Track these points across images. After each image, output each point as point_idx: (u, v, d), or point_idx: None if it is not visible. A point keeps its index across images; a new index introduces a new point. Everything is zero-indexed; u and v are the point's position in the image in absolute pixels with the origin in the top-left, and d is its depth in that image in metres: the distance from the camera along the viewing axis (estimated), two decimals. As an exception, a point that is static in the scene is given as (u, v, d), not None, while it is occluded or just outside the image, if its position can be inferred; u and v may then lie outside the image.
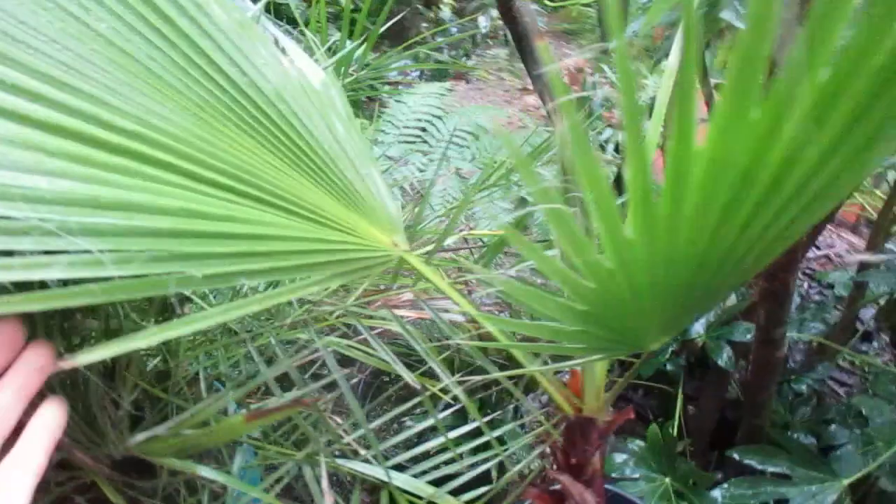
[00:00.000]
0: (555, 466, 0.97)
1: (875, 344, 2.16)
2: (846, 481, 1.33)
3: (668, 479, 1.41)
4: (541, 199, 0.42)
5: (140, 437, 0.57)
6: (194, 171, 0.51)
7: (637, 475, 1.42)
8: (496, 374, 0.79)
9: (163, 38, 0.53)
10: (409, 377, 0.78)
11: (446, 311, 0.91)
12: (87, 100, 0.47)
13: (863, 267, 1.66)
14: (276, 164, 0.58)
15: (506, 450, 0.87)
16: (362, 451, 0.87)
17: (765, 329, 1.26)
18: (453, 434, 0.90)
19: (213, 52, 0.57)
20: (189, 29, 0.55)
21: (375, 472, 0.83)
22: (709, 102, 1.61)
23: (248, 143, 0.56)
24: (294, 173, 0.60)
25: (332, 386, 0.84)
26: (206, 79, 0.55)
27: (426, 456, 0.92)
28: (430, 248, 0.82)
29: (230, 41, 0.58)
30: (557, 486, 1.01)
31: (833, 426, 1.44)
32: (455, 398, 1.07)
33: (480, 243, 1.02)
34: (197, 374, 0.85)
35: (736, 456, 1.40)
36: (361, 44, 1.05)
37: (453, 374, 0.84)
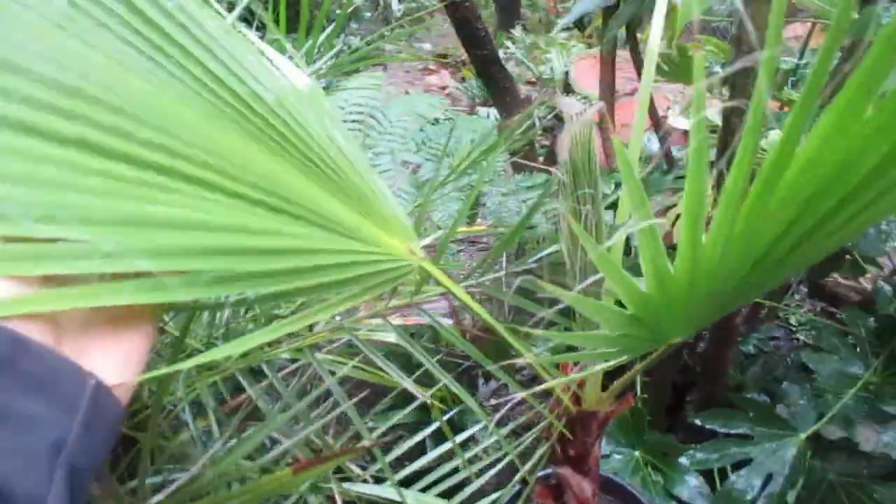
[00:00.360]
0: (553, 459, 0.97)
1: (796, 296, 2.28)
2: (803, 435, 1.39)
3: (637, 452, 1.44)
4: (636, 211, 0.39)
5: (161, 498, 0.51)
6: (233, 187, 0.48)
7: (607, 451, 1.44)
8: (505, 378, 0.77)
9: (165, 53, 0.48)
10: (419, 394, 0.74)
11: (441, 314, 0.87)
12: (123, 117, 0.43)
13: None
14: (295, 176, 0.54)
15: (517, 445, 0.85)
16: (363, 472, 0.83)
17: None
18: (459, 438, 0.87)
19: (213, 62, 0.51)
20: (189, 41, 0.49)
21: (386, 492, 0.79)
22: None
23: (265, 155, 0.53)
24: (312, 184, 0.56)
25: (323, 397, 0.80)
26: (216, 91, 0.51)
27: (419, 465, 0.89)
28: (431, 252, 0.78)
29: (225, 50, 0.52)
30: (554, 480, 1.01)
31: (784, 383, 1.50)
32: (452, 401, 1.04)
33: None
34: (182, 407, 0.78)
35: (698, 422, 1.43)
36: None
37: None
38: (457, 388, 0.76)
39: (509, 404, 0.75)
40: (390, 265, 0.58)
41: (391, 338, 0.84)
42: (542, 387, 0.61)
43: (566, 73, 3.14)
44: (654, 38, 0.83)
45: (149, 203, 0.42)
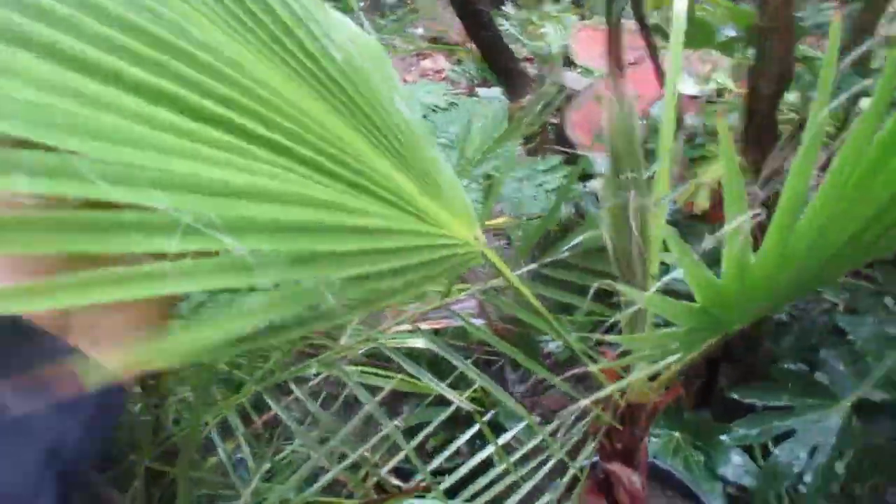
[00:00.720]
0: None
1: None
2: (847, 402, 1.34)
3: (677, 433, 1.40)
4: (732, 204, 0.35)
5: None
6: (311, 156, 0.43)
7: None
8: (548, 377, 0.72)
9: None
10: (457, 399, 0.70)
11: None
12: (197, 68, 0.39)
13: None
14: (365, 146, 0.50)
15: (564, 444, 0.81)
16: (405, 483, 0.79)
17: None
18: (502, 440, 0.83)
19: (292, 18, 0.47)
20: None
21: (433, 507, 0.75)
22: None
23: (338, 121, 0.48)
24: (381, 157, 0.51)
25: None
26: (294, 50, 0.47)
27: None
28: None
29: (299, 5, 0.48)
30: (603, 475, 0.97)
31: (821, 351, 1.45)
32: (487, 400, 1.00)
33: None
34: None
35: (736, 396, 1.39)
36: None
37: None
38: (497, 391, 0.72)
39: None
40: (458, 250, 0.55)
41: (419, 343, 0.79)
42: (600, 393, 0.56)
43: (565, 47, 3.07)
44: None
45: (236, 170, 0.38)
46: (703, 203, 1.75)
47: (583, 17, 4.27)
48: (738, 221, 0.40)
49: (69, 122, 0.32)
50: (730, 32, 1.58)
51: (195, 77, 0.38)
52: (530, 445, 0.84)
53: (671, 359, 0.77)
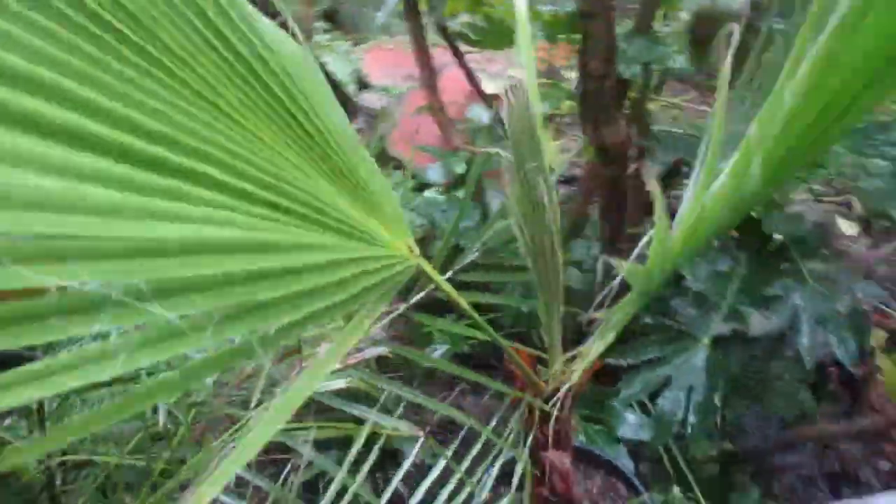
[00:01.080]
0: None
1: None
2: (705, 341, 1.47)
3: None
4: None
5: None
6: (254, 191, 0.41)
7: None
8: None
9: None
10: (416, 431, 0.68)
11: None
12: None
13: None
14: (296, 161, 0.48)
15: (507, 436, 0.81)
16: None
17: (609, 240, 1.32)
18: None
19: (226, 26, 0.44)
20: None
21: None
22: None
23: (269, 137, 0.46)
24: (314, 171, 0.49)
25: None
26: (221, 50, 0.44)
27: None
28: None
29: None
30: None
31: (673, 300, 1.58)
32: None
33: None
34: None
35: (611, 361, 1.48)
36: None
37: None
38: (451, 411, 0.71)
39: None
40: (398, 266, 0.54)
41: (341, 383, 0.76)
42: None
43: (355, 72, 3.09)
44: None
45: (157, 220, 0.34)
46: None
47: (356, 43, 4.34)
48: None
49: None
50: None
51: (120, 112, 0.34)
52: (477, 447, 0.83)
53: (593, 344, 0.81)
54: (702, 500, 1.48)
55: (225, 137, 0.41)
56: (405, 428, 0.66)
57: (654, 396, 1.44)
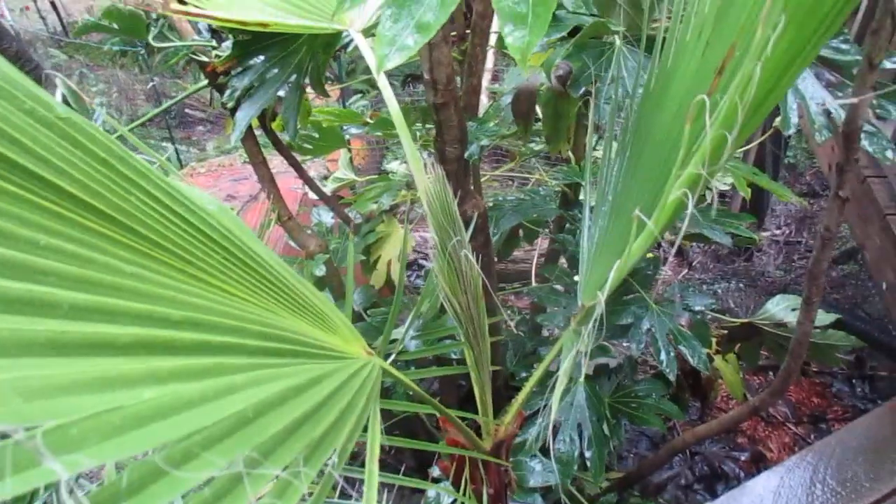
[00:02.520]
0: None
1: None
2: (581, 378, 1.61)
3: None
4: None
5: None
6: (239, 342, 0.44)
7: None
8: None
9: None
10: None
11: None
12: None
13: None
14: (265, 304, 0.53)
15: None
16: None
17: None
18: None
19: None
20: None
21: None
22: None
23: (236, 289, 0.51)
24: (280, 309, 0.55)
25: None
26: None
27: None
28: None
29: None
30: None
31: (541, 349, 1.70)
32: None
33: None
34: None
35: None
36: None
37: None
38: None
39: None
40: (366, 370, 0.58)
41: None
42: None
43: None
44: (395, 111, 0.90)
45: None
46: (380, 279, 1.92)
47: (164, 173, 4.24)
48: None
49: None
50: (352, 130, 1.78)
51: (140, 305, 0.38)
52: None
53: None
54: (610, 529, 1.56)
55: (208, 300, 0.46)
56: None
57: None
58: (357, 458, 0.67)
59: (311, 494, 0.48)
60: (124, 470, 0.31)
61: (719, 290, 3.34)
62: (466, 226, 1.15)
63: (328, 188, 2.05)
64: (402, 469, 1.30)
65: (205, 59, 1.43)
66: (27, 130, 0.39)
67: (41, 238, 0.36)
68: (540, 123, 1.50)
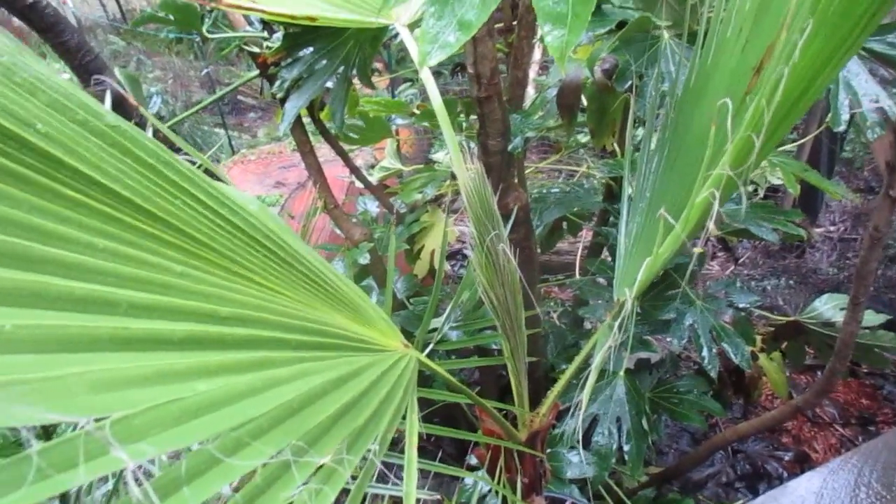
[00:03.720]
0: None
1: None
2: (620, 372, 1.61)
3: (518, 464, 1.51)
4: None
5: None
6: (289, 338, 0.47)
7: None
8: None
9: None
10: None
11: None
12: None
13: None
14: (308, 301, 0.56)
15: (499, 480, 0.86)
16: None
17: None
18: None
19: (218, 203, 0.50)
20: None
21: None
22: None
23: (280, 286, 0.53)
24: (321, 305, 0.57)
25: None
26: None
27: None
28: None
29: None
30: None
31: (581, 343, 1.71)
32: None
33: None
34: None
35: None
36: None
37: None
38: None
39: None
40: (403, 361, 0.60)
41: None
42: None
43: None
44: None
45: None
46: (424, 269, 1.94)
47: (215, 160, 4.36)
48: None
49: None
50: (399, 120, 1.80)
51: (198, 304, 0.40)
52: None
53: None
54: (647, 522, 1.57)
55: (252, 297, 0.48)
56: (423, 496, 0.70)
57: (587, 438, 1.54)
58: (397, 446, 0.69)
59: (353, 479, 0.50)
60: (181, 459, 0.33)
61: (768, 287, 3.28)
62: (507, 218, 1.16)
63: (374, 177, 2.08)
64: (441, 455, 1.32)
65: (256, 49, 1.47)
66: (80, 140, 0.42)
67: (99, 241, 0.39)
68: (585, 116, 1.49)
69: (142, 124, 0.56)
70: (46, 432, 0.75)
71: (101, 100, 0.54)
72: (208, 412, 0.36)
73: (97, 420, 0.29)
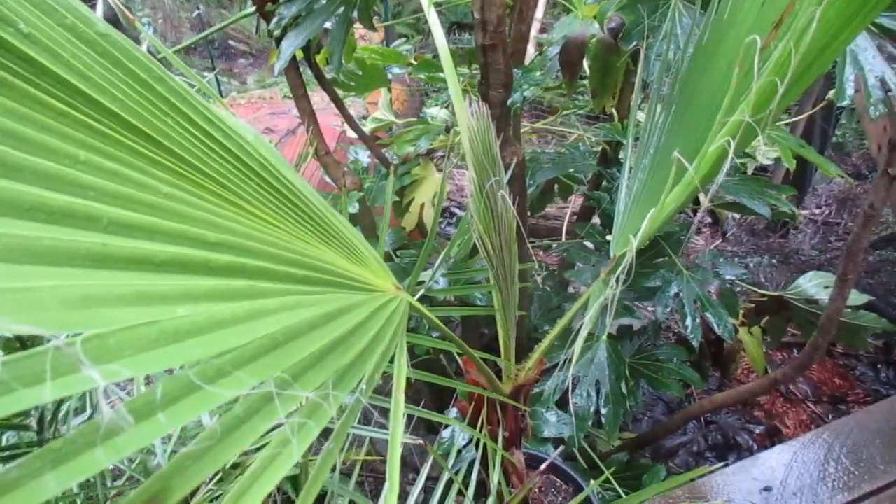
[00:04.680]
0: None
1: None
2: (604, 336, 1.61)
3: (496, 422, 1.52)
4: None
5: None
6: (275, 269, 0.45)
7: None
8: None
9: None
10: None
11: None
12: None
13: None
14: (301, 235, 0.54)
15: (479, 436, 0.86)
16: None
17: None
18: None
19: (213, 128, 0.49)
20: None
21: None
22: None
23: (272, 217, 0.52)
24: (315, 240, 0.56)
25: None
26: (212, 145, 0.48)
27: None
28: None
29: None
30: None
31: (566, 305, 1.70)
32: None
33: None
34: None
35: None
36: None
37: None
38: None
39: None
40: (393, 303, 0.58)
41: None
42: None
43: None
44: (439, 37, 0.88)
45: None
46: (412, 222, 1.92)
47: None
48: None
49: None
50: (394, 70, 1.76)
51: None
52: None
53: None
54: (618, 486, 1.58)
55: (243, 225, 0.46)
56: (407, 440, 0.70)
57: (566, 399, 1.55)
58: (380, 392, 0.68)
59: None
60: (157, 382, 0.31)
61: (751, 265, 3.30)
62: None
63: (367, 128, 2.04)
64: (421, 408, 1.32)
65: (252, -15, 1.42)
66: (67, 46, 0.39)
67: (81, 153, 0.36)
68: (586, 80, 1.47)
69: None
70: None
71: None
72: (187, 338, 0.34)
73: (69, 337, 0.28)
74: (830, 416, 2.36)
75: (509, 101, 1.21)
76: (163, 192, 0.41)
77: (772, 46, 0.55)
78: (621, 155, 1.72)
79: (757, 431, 2.25)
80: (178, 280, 0.37)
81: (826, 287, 1.75)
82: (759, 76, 0.53)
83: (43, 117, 0.37)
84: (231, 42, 6.82)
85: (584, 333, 0.75)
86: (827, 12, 0.53)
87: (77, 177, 0.36)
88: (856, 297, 1.74)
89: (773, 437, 2.24)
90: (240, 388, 0.35)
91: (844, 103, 1.13)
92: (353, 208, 1.63)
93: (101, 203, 0.36)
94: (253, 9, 1.47)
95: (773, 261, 3.36)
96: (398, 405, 0.48)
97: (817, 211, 3.89)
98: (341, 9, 1.26)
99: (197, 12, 5.93)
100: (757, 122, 0.54)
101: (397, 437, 0.46)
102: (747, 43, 0.51)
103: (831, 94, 1.14)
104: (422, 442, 0.75)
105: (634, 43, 1.14)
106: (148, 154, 0.43)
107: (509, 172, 0.96)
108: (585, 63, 1.50)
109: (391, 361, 0.54)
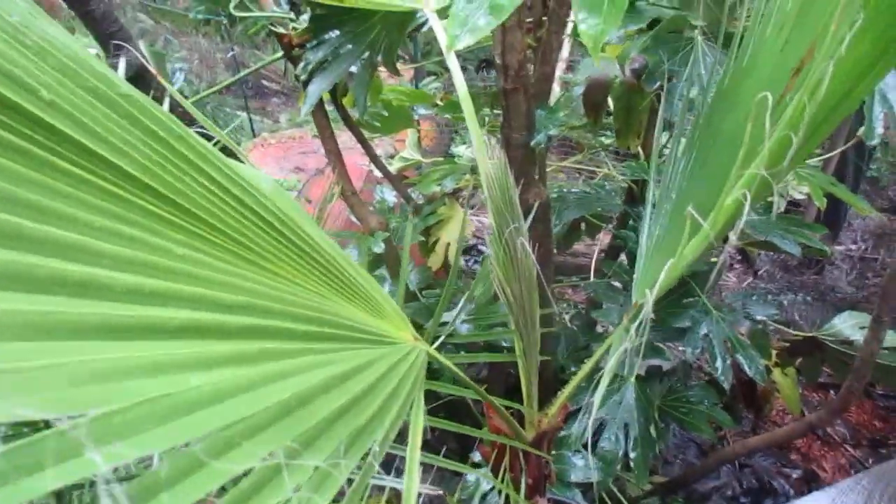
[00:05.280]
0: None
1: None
2: (632, 378, 1.58)
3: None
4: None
5: None
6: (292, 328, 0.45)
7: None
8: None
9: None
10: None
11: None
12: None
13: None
14: (316, 288, 0.54)
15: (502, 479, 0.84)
16: None
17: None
18: None
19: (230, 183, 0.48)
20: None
21: None
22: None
23: (288, 272, 0.52)
24: (331, 293, 0.56)
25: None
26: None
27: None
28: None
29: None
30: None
31: (593, 346, 1.68)
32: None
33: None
34: None
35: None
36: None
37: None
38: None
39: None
40: (412, 354, 0.58)
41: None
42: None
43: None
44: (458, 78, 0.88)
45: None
46: (438, 261, 1.92)
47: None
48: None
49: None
50: (422, 110, 1.78)
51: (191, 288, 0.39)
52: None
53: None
54: (649, 532, 1.54)
55: (260, 283, 0.46)
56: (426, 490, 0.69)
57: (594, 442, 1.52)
58: (399, 437, 0.68)
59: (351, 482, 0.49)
60: (163, 460, 0.31)
61: (785, 302, 3.23)
62: (527, 214, 1.14)
63: (393, 167, 2.06)
64: (444, 451, 1.30)
65: (282, 30, 1.45)
66: (88, 110, 0.40)
67: (97, 220, 0.37)
68: (611, 117, 1.47)
69: (161, 99, 0.55)
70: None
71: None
72: (198, 409, 0.33)
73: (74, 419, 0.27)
74: (871, 461, 2.28)
75: (533, 142, 1.22)
76: (178, 255, 0.41)
77: (788, 97, 0.54)
78: (647, 193, 1.71)
79: (794, 476, 2.18)
80: (192, 347, 0.37)
81: (861, 328, 1.71)
82: (774, 129, 0.52)
83: (60, 184, 0.37)
84: (264, 81, 6.98)
85: (605, 381, 0.74)
86: (857, 46, 0.52)
87: (92, 245, 0.36)
88: (893, 338, 1.69)
89: (810, 482, 2.16)
90: (249, 461, 0.34)
91: (874, 143, 1.12)
92: (379, 248, 1.64)
93: (114, 270, 0.36)
94: (282, 53, 1.51)
95: (808, 298, 3.29)
96: (413, 460, 0.48)
97: (853, 247, 3.82)
98: (366, 53, 1.28)
99: (231, 53, 6.09)
100: (774, 174, 0.53)
101: (412, 490, 0.46)
102: (759, 98, 0.51)
103: (861, 131, 1.12)
104: (441, 492, 0.74)
105: (657, 84, 1.14)
106: (166, 216, 0.43)
107: (531, 216, 0.95)
108: (610, 101, 1.51)
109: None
